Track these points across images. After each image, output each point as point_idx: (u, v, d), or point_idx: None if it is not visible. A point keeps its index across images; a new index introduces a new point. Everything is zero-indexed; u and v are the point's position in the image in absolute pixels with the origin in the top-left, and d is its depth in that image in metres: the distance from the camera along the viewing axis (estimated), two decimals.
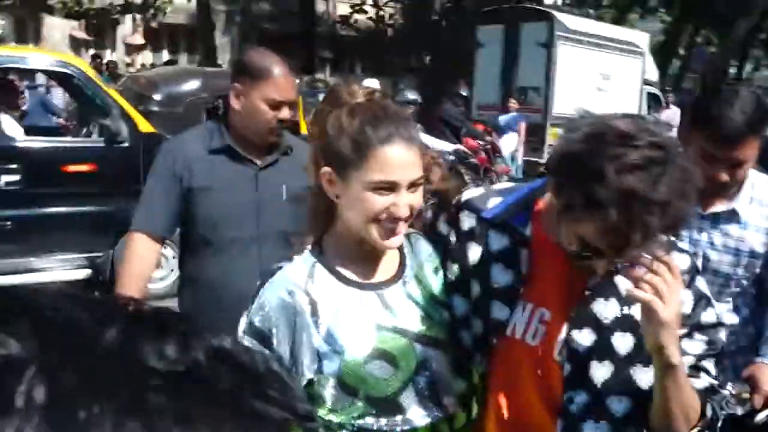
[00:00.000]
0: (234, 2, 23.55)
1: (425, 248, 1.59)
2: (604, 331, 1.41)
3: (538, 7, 13.84)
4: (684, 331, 1.40)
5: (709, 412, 1.46)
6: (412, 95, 8.48)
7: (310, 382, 1.43)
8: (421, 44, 17.26)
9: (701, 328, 1.46)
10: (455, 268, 1.55)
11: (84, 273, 5.58)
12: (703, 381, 1.44)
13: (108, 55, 21.38)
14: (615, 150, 1.22)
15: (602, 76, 12.81)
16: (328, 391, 1.43)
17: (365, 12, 18.60)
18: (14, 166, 5.30)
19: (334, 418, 1.44)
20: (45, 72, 6.12)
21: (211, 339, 0.42)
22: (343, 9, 21.90)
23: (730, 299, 2.33)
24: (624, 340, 1.42)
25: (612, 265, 1.38)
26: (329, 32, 24.17)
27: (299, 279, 1.45)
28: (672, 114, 12.38)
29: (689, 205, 1.27)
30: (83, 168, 5.53)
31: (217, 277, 2.40)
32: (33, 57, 6.03)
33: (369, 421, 1.44)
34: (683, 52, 25.91)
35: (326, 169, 1.42)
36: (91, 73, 5.86)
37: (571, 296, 1.46)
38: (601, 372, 1.41)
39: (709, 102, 2.13)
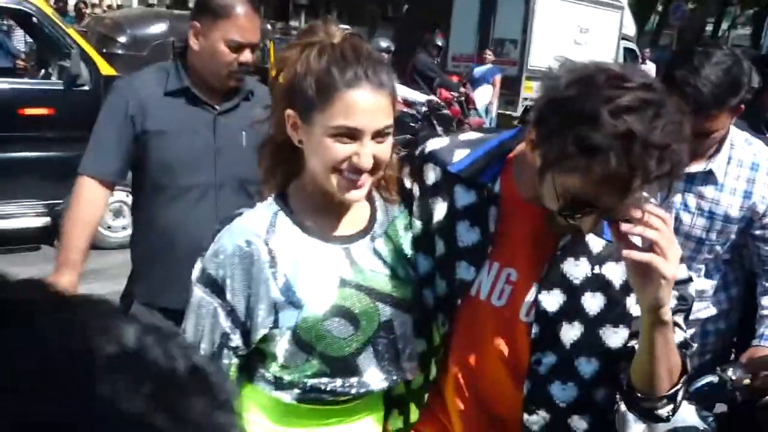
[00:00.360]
0: None
1: (397, 204, 1.49)
2: (574, 292, 1.35)
3: None
4: None
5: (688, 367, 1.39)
6: (384, 43, 8.27)
7: (265, 337, 1.34)
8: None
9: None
10: (419, 224, 1.47)
11: (43, 221, 5.39)
12: (678, 336, 1.36)
13: None
14: (608, 92, 1.14)
15: (580, 29, 12.70)
16: (282, 346, 1.34)
17: None
18: None
19: (286, 376, 1.36)
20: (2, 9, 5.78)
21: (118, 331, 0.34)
22: None
23: (702, 266, 2.26)
24: (594, 301, 1.36)
25: (598, 223, 1.27)
26: None
27: (259, 227, 1.34)
28: (648, 69, 12.30)
29: (685, 149, 1.18)
30: (41, 111, 5.29)
31: (171, 224, 2.28)
32: None
33: (323, 380, 1.36)
34: (661, 8, 25.78)
35: (290, 111, 1.31)
36: (49, 11, 5.56)
37: (540, 256, 1.38)
38: (570, 333, 1.36)
39: (679, 67, 1.99)
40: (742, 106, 2.03)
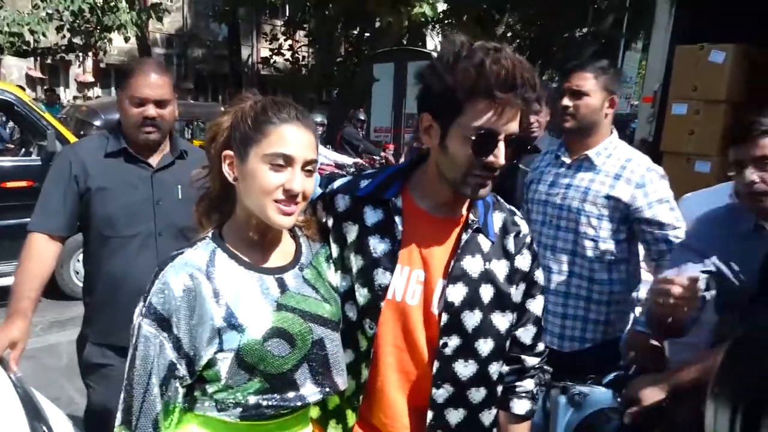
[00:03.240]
0: (171, 46, 22.68)
1: (318, 239, 1.44)
2: (473, 284, 1.35)
3: (420, 49, 13.95)
4: (522, 287, 1.41)
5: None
6: (319, 118, 8.22)
7: (209, 361, 1.23)
8: (329, 81, 17.18)
9: (536, 285, 1.45)
10: (335, 247, 1.41)
11: None
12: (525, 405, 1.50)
13: (62, 92, 20.18)
14: (479, 54, 1.21)
15: None
16: (225, 368, 1.23)
17: (283, 54, 18.26)
18: None
19: (229, 396, 1.25)
20: None
21: None
22: (265, 52, 21.48)
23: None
24: (487, 291, 1.36)
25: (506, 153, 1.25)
26: (253, 72, 23.73)
27: (200, 262, 1.25)
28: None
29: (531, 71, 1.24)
30: (22, 184, 5.03)
31: (117, 271, 2.12)
32: None
33: (265, 396, 1.26)
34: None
35: (227, 152, 1.26)
36: (26, 98, 5.33)
37: (441, 257, 1.36)
38: (471, 319, 1.35)
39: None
40: None
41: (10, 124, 8.75)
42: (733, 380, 0.81)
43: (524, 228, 1.44)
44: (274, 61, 18.55)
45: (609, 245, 2.21)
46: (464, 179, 1.27)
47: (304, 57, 19.72)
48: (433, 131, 1.29)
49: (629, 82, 18.38)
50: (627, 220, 2.19)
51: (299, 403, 1.29)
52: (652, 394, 1.48)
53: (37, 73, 20.67)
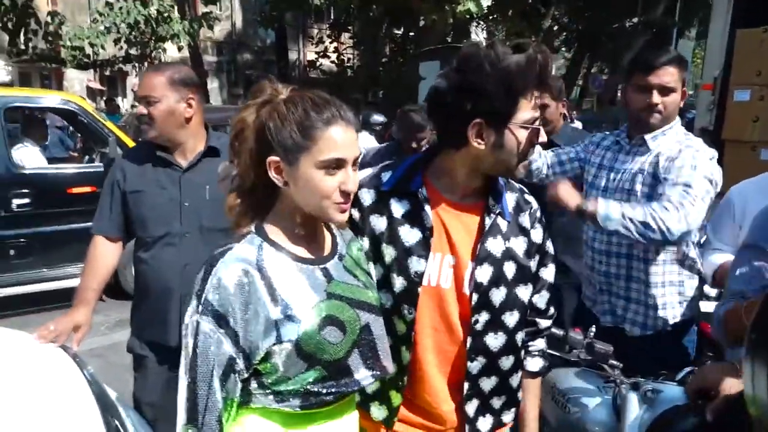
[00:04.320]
0: (222, 54, 23.15)
1: (348, 230, 1.46)
2: (497, 263, 1.43)
3: None
4: (537, 258, 1.51)
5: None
6: (379, 117, 8.19)
7: (266, 354, 1.23)
8: (375, 81, 17.21)
9: (548, 254, 1.55)
10: (366, 240, 1.46)
11: None
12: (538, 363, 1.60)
13: (120, 101, 20.89)
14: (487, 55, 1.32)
15: None
16: (283, 360, 1.24)
17: (329, 57, 18.40)
18: (27, 190, 5.01)
19: (286, 387, 1.25)
20: (52, 109, 5.73)
21: None
22: (311, 56, 21.70)
23: None
24: (510, 267, 1.44)
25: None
26: (300, 75, 23.98)
27: (251, 257, 1.24)
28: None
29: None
30: (85, 189, 5.19)
31: (147, 271, 2.26)
32: (43, 97, 5.63)
33: (325, 384, 1.27)
34: (581, 81, 26.26)
35: (273, 158, 1.24)
36: (89, 108, 5.52)
37: (467, 241, 1.44)
38: (498, 295, 1.43)
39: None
40: None
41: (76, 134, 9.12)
42: None
43: (534, 203, 1.55)
44: (320, 64, 18.73)
45: None
46: (519, 162, 1.40)
47: (349, 59, 19.82)
48: (486, 134, 1.35)
49: None
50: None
51: (355, 388, 1.32)
52: (731, 384, 1.36)
53: (97, 85, 21.44)
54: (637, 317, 2.24)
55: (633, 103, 2.23)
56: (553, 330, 1.66)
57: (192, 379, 1.20)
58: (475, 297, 1.42)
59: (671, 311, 2.22)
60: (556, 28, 17.83)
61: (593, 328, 1.85)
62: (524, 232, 1.49)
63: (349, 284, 1.34)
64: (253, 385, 1.26)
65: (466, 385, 1.46)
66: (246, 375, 1.24)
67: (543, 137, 1.40)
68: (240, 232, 1.30)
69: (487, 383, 1.47)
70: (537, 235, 1.52)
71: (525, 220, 1.50)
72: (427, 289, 1.42)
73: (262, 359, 1.23)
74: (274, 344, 1.22)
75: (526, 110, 1.34)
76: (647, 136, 2.21)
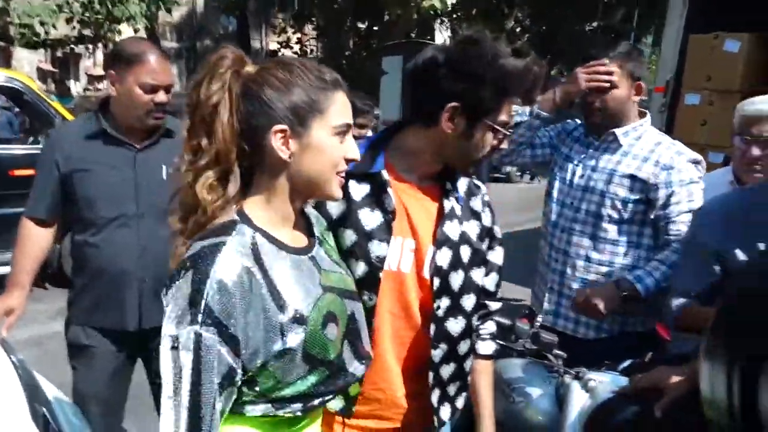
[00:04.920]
0: (181, 39, 22.67)
1: (314, 212, 1.35)
2: (454, 247, 1.42)
3: (430, 42, 13.87)
4: (487, 241, 1.51)
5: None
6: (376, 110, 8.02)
7: (264, 362, 1.08)
8: (338, 74, 17.16)
9: (496, 238, 1.55)
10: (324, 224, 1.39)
11: None
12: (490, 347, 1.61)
13: (72, 84, 20.21)
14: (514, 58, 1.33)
15: None
16: (285, 365, 1.09)
17: (291, 48, 18.24)
18: None
19: (284, 392, 1.12)
20: None
21: None
22: (274, 46, 21.46)
23: None
24: (465, 251, 1.44)
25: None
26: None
27: (247, 253, 1.07)
28: None
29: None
30: (28, 172, 4.93)
31: (98, 254, 2.11)
32: None
33: (327, 384, 1.17)
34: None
35: (279, 126, 1.09)
36: (35, 87, 5.30)
37: (426, 225, 1.43)
38: (456, 279, 1.42)
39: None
40: None
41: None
42: (729, 334, 0.75)
43: (483, 188, 1.56)
44: (282, 54, 18.55)
45: (632, 230, 2.12)
46: (476, 161, 1.43)
47: (312, 50, 19.69)
48: (458, 121, 1.35)
49: None
50: (651, 205, 2.09)
51: (351, 381, 1.22)
52: (679, 385, 1.40)
53: (48, 66, 20.60)
54: (590, 320, 2.14)
55: (579, 106, 2.18)
56: (500, 319, 1.65)
57: (194, 403, 1.01)
58: (436, 281, 1.40)
59: (630, 318, 2.14)
60: (518, 29, 18.08)
61: (539, 318, 1.86)
62: (476, 215, 1.49)
63: (336, 273, 1.24)
64: (247, 395, 1.11)
65: (431, 375, 1.43)
66: (239, 384, 1.09)
67: (505, 145, 1.43)
68: (216, 221, 1.11)
69: (446, 370, 1.46)
70: (486, 219, 1.52)
71: (476, 204, 1.51)
72: (387, 273, 1.39)
73: (260, 366, 1.08)
74: (281, 349, 1.08)
75: (504, 113, 1.35)
76: (618, 131, 2.13)
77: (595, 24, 17.07)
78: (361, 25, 17.45)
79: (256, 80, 1.11)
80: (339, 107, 1.12)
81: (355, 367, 1.22)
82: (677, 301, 1.71)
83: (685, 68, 4.34)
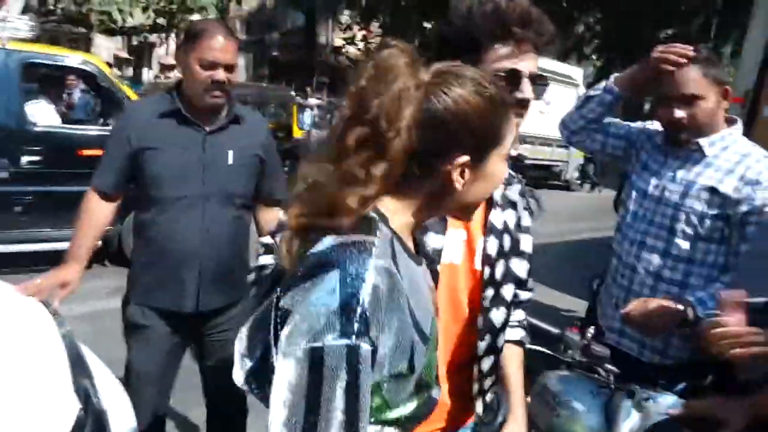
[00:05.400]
0: (250, 33, 23.18)
1: None
2: (499, 236, 1.40)
3: None
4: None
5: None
6: None
7: (377, 383, 0.92)
8: None
9: (527, 227, 1.51)
10: None
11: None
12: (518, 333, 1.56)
13: (146, 73, 21.02)
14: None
15: (544, 101, 12.65)
16: (399, 387, 0.94)
17: (355, 44, 18.36)
18: (38, 147, 5.00)
19: (391, 415, 0.96)
20: (72, 69, 5.72)
21: None
22: (339, 42, 21.66)
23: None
24: (506, 240, 1.42)
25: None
26: (326, 60, 23.97)
27: (389, 258, 0.92)
28: None
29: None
30: (97, 152, 5.14)
31: (161, 234, 2.11)
32: (64, 56, 5.59)
33: (422, 409, 1.00)
34: None
35: (462, 159, 0.96)
36: (108, 71, 5.51)
37: (478, 213, 1.33)
38: (500, 269, 1.40)
39: None
40: None
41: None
42: None
43: (518, 176, 1.53)
44: (346, 51, 18.70)
45: (710, 248, 1.91)
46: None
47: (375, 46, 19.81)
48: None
49: None
50: (732, 222, 1.88)
51: (434, 408, 1.04)
52: (737, 417, 1.30)
53: (125, 54, 21.62)
54: (656, 343, 1.94)
55: (659, 118, 2.00)
56: (549, 328, 1.58)
57: (351, 427, 0.85)
58: (486, 271, 1.37)
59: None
60: (588, 34, 17.61)
61: (591, 330, 1.77)
62: (512, 204, 1.46)
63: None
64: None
65: (475, 369, 1.38)
66: None
67: (528, 95, 1.29)
68: (346, 218, 0.93)
69: (486, 363, 1.40)
70: (521, 207, 1.49)
71: (512, 193, 1.47)
72: (443, 267, 1.33)
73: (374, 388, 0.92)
74: (401, 372, 0.92)
75: (498, 60, 1.27)
76: (702, 141, 1.93)
77: (670, 32, 16.41)
78: (427, 24, 17.38)
79: (441, 98, 0.94)
80: (512, 131, 1.02)
81: (437, 392, 1.06)
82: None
83: (766, 79, 4.10)
